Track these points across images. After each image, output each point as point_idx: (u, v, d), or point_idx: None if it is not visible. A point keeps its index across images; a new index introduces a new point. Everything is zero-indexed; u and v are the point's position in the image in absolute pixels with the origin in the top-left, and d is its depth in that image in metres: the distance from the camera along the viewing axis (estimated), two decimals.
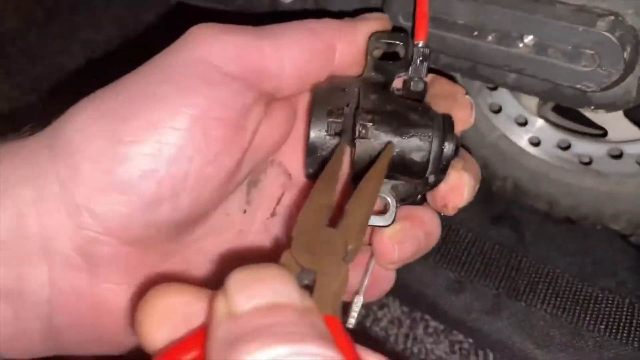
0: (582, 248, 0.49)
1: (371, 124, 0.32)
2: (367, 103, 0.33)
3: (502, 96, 0.43)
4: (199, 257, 0.32)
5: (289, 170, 0.36)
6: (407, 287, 0.45)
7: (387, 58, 0.35)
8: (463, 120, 0.35)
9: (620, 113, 0.41)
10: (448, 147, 0.33)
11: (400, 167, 0.33)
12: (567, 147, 0.45)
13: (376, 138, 0.32)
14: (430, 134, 0.33)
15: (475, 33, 0.36)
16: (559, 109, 0.45)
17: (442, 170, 0.34)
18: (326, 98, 0.34)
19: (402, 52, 0.35)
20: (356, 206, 0.28)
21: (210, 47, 0.29)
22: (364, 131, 0.32)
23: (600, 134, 0.44)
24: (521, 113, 0.44)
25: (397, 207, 0.33)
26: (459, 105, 0.35)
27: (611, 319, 0.45)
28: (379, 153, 0.33)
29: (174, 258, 0.31)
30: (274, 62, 0.30)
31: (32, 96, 0.73)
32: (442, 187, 0.34)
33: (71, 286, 0.28)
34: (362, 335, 0.49)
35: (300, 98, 0.35)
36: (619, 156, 0.44)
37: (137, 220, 0.27)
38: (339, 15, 0.37)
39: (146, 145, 0.27)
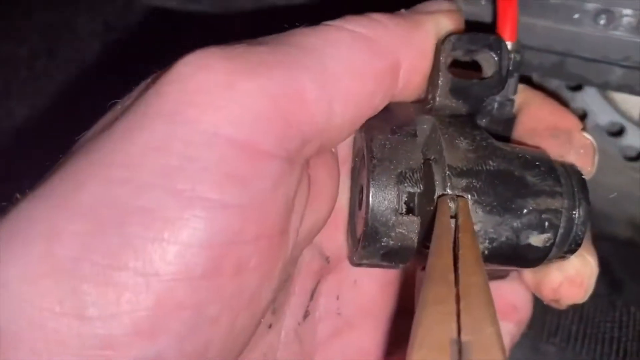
0: None
1: (469, 196, 0.21)
2: (455, 158, 0.22)
3: (589, 98, 0.33)
4: None
5: (325, 252, 0.26)
6: None
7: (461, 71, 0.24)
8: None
9: None
10: (580, 224, 0.22)
11: (507, 257, 0.22)
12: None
13: (474, 217, 0.21)
14: (558, 206, 0.22)
15: (576, 16, 0.25)
16: None
17: (565, 253, 0.23)
18: (391, 152, 0.22)
19: (489, 63, 0.23)
20: (483, 328, 0.17)
21: (227, 109, 0.18)
22: (453, 206, 0.21)
23: None
24: (615, 120, 0.34)
25: None
26: (576, 150, 0.24)
27: None
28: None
29: None
30: (320, 110, 0.19)
31: None
32: (555, 275, 0.24)
33: None
34: None
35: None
36: None
37: None
38: None
39: (141, 320, 0.16)
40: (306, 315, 0.25)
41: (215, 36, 0.20)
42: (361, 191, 0.24)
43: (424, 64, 0.22)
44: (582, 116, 0.34)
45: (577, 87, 0.33)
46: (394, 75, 0.21)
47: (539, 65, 0.28)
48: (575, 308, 0.37)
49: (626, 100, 0.33)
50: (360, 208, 0.24)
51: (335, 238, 0.26)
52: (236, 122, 0.18)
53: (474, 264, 0.19)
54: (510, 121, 0.25)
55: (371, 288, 0.27)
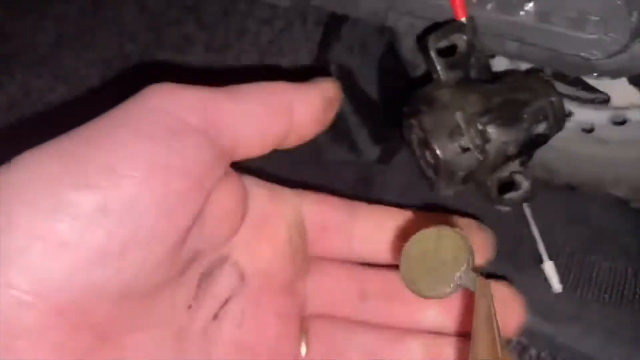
0: (584, 216, 0.48)
1: (492, 125, 0.33)
2: (473, 106, 0.33)
3: (501, 63, 0.41)
4: (134, 352, 0.26)
5: (243, 271, 0.31)
6: None
7: (446, 52, 0.34)
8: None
9: (624, 79, 0.40)
10: (557, 103, 0.34)
11: (530, 146, 0.34)
12: (567, 115, 0.44)
13: (501, 136, 0.33)
14: (542, 103, 0.33)
15: (474, 1, 0.34)
16: (558, 76, 0.43)
17: (561, 127, 0.35)
18: (437, 121, 0.33)
19: (461, 40, 0.34)
20: None
21: (170, 98, 0.26)
22: (487, 133, 0.33)
23: (604, 100, 0.42)
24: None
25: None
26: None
27: (614, 288, 0.44)
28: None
29: (107, 347, 0.25)
30: (233, 116, 0.27)
31: (4, 76, 0.70)
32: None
33: None
34: None
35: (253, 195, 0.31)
36: (622, 122, 0.42)
37: (76, 280, 0.23)
38: None
39: (98, 191, 0.23)
40: (215, 317, 0.30)
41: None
42: (422, 148, 0.35)
43: (312, 110, 0.30)
44: None
45: (493, 55, 0.42)
46: (287, 112, 0.29)
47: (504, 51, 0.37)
48: None
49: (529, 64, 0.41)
50: (426, 159, 0.35)
51: (252, 261, 0.31)
52: (176, 105, 0.26)
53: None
54: (487, 66, 0.36)
55: (268, 312, 0.31)
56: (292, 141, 0.30)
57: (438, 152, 0.33)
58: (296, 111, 0.29)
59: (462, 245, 0.27)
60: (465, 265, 0.26)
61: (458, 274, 0.26)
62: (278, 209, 0.32)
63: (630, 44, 0.33)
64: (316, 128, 0.30)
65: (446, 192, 0.35)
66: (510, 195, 0.34)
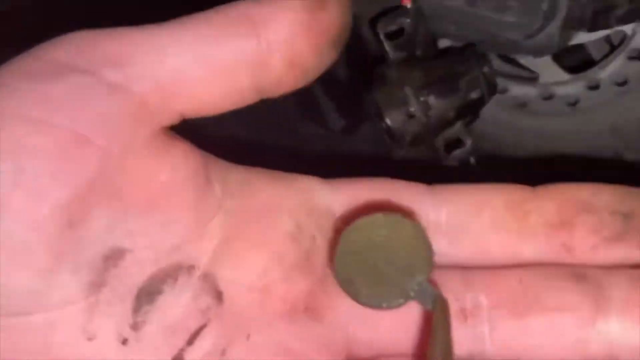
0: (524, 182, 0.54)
1: (432, 95, 0.39)
2: (417, 81, 0.39)
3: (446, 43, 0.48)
4: None
5: (221, 287, 0.22)
6: None
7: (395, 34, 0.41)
8: None
9: (549, 58, 0.46)
10: (490, 74, 0.41)
11: (469, 110, 0.41)
12: (505, 92, 0.50)
13: (441, 104, 0.39)
14: (477, 74, 0.40)
15: None
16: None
17: (493, 93, 0.42)
18: (388, 95, 0.40)
19: (406, 23, 0.41)
20: None
21: (53, 43, 0.20)
22: (428, 102, 0.39)
23: (533, 77, 0.48)
24: None
25: None
26: None
27: None
28: None
29: None
30: (149, 50, 0.20)
31: None
32: None
33: None
34: None
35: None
36: (549, 97, 0.49)
37: None
38: None
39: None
40: (177, 359, 0.21)
41: None
42: (379, 119, 0.41)
43: (287, 21, 0.21)
44: None
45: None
46: (246, 28, 0.21)
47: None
48: None
49: None
50: (382, 127, 0.41)
51: (234, 274, 0.22)
52: (54, 48, 0.21)
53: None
54: (432, 44, 0.42)
55: (265, 350, 0.22)
56: (279, 72, 0.21)
57: (388, 120, 0.40)
58: (263, 24, 0.20)
59: (421, 245, 0.22)
60: (423, 276, 0.21)
61: (412, 285, 0.21)
62: (277, 199, 0.23)
63: (544, 26, 0.39)
64: (311, 43, 0.20)
65: (400, 153, 0.41)
66: (456, 152, 0.41)
